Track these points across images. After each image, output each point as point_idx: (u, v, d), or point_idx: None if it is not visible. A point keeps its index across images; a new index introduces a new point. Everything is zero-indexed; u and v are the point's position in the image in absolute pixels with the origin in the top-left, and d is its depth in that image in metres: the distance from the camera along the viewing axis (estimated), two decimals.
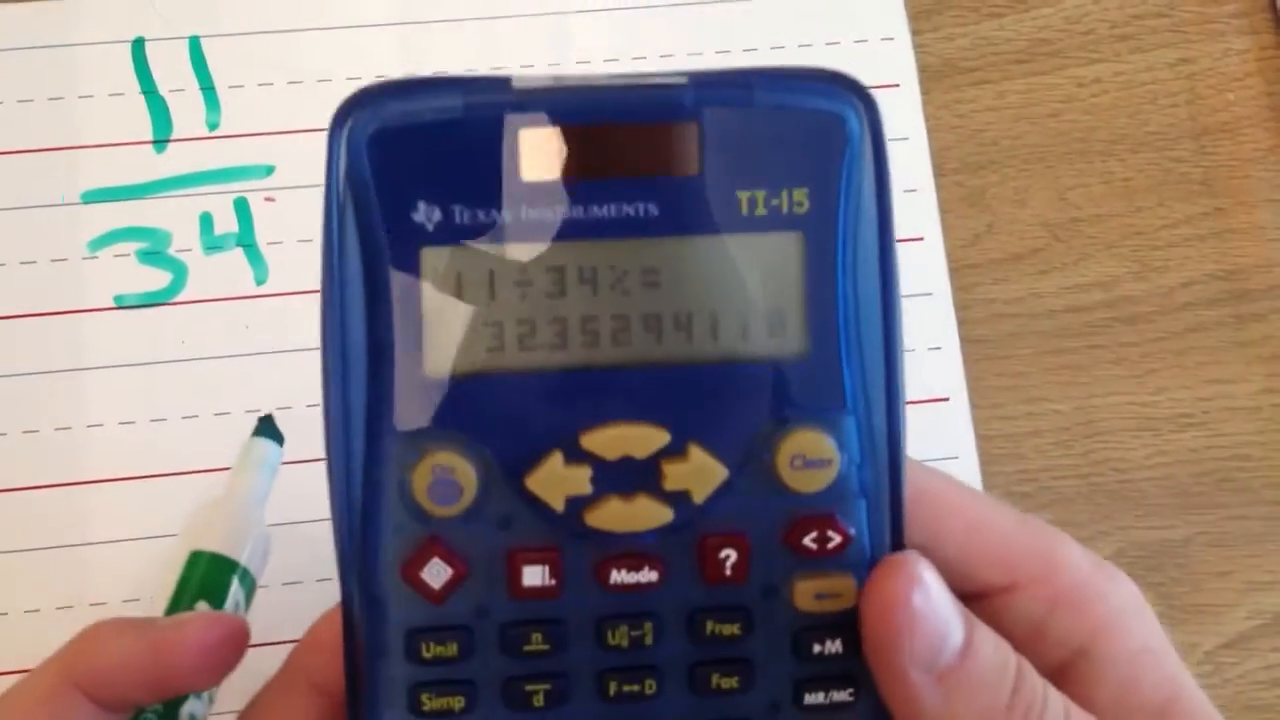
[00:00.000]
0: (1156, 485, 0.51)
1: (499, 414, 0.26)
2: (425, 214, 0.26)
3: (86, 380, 0.49)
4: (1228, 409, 0.52)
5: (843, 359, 0.27)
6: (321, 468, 0.27)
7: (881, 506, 0.27)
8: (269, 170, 0.51)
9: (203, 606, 0.41)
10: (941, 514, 0.29)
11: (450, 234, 0.26)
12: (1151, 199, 0.53)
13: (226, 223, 0.50)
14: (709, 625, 0.27)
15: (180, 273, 0.50)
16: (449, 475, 0.26)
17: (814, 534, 0.27)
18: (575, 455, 0.26)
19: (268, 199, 0.51)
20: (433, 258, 0.26)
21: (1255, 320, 0.52)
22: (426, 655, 0.27)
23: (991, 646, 0.27)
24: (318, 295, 0.50)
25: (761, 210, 0.26)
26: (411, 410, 0.26)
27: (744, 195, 0.26)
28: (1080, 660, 0.29)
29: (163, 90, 0.51)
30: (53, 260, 0.50)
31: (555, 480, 0.26)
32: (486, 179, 0.26)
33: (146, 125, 0.51)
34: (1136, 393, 0.52)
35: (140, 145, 0.51)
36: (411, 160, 0.26)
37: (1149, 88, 0.55)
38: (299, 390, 0.49)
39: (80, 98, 0.51)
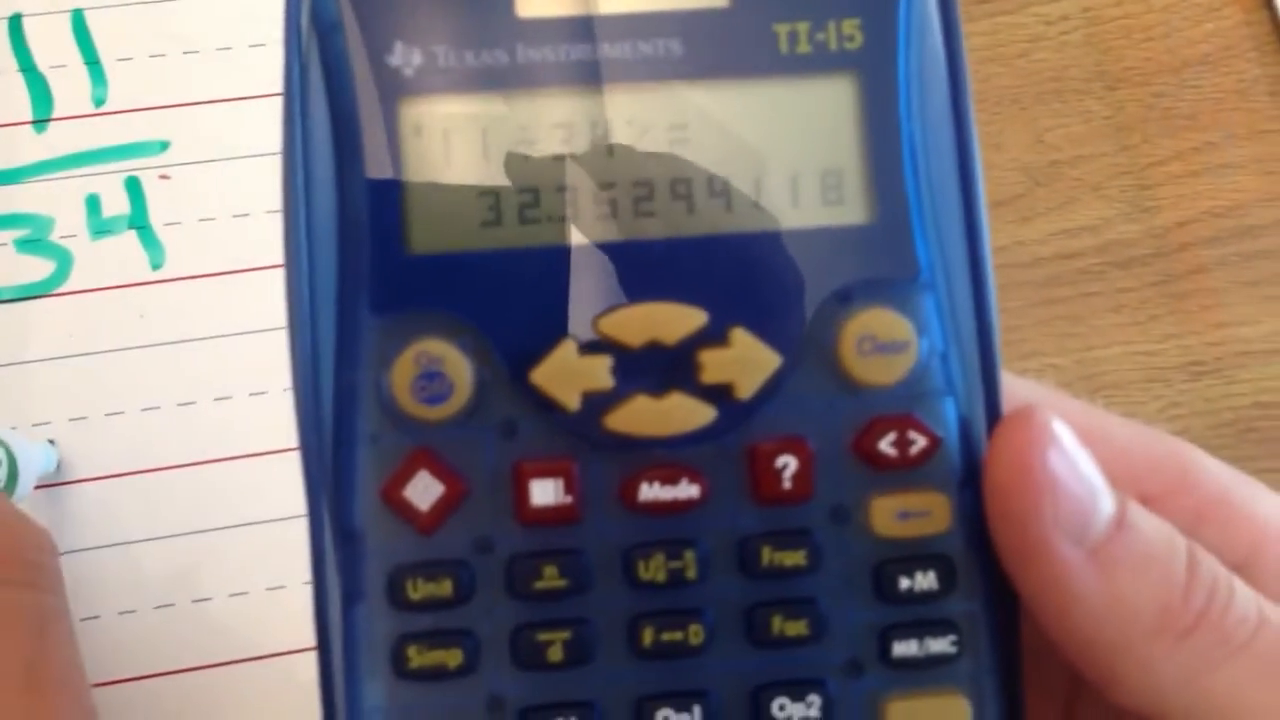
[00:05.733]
0: None
1: (497, 294, 0.21)
2: (403, 56, 0.21)
3: None
4: (1241, 353, 0.47)
5: (914, 223, 0.22)
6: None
7: (973, 402, 0.22)
8: (163, 146, 0.46)
9: None
10: None
11: (433, 81, 0.21)
12: (1136, 136, 0.49)
13: (117, 204, 0.46)
14: (766, 554, 0.21)
15: (64, 261, 0.45)
16: (437, 367, 0.21)
17: (891, 436, 0.21)
18: (592, 343, 0.21)
19: (162, 176, 0.46)
20: (413, 111, 0.21)
21: (1262, 257, 0.48)
22: (414, 596, 0.21)
23: (1152, 519, 0.22)
24: (221, 279, 0.44)
25: (805, 47, 0.22)
26: (391, 290, 0.21)
27: (782, 29, 0.22)
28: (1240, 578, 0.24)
29: (42, 67, 0.47)
30: None
31: (568, 373, 0.21)
32: (477, 12, 0.21)
33: (25, 105, 0.46)
34: (1140, 341, 0.47)
35: (18, 126, 0.46)
36: None
37: (1121, 23, 0.51)
38: (203, 384, 0.42)
39: None
